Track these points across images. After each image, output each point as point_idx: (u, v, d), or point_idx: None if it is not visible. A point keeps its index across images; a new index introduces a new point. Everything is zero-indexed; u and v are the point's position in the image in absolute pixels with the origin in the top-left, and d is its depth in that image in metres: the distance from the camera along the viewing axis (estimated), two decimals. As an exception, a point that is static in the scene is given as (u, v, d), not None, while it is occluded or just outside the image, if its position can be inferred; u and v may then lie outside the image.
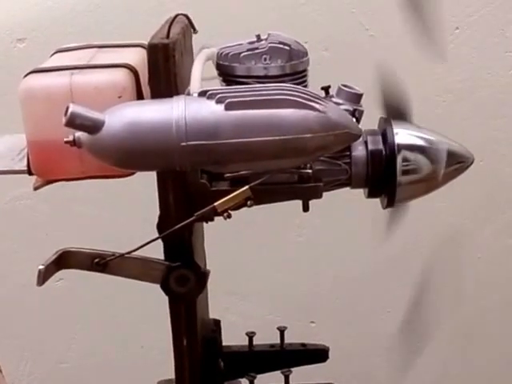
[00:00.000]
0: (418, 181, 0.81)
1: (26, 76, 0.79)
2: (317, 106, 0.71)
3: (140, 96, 0.80)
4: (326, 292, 1.63)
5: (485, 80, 1.54)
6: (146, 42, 0.87)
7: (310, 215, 0.83)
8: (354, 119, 0.79)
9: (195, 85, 0.74)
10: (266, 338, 0.95)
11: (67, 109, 0.70)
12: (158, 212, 0.80)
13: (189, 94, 0.74)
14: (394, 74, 0.82)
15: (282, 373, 0.92)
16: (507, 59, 1.54)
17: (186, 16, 0.79)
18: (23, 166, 0.83)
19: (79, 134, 0.71)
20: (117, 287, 1.35)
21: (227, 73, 0.80)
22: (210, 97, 0.71)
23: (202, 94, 0.72)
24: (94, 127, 0.70)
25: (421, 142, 0.81)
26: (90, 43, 0.91)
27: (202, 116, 0.70)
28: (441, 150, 0.81)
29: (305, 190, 0.79)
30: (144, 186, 0.83)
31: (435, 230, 1.50)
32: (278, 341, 0.94)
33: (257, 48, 0.79)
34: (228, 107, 0.70)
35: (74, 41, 1.52)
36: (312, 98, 0.71)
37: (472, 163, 0.83)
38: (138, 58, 0.85)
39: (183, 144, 0.69)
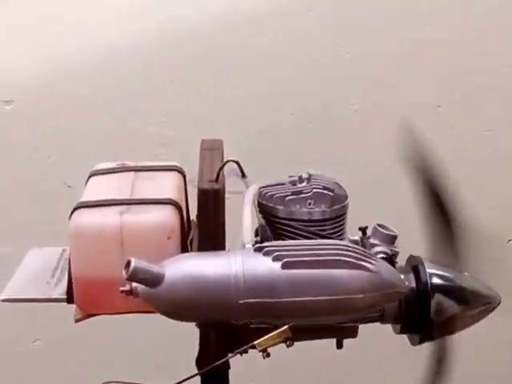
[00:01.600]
0: (448, 320, 0.84)
1: (75, 210, 0.80)
2: (369, 266, 0.74)
3: (183, 230, 0.81)
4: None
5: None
6: (178, 165, 0.90)
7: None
8: (390, 261, 0.82)
9: (247, 235, 0.76)
10: None
11: (128, 263, 0.71)
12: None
13: (243, 245, 0.76)
14: None
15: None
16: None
17: (237, 162, 0.81)
18: (61, 293, 0.84)
19: (136, 284, 0.72)
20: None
21: (270, 213, 0.83)
22: (267, 253, 0.73)
23: (259, 249, 0.74)
24: (154, 281, 0.71)
25: (452, 284, 0.85)
26: (123, 164, 0.92)
27: (259, 274, 0.72)
28: (469, 292, 0.85)
29: (342, 329, 0.82)
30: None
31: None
32: None
33: (301, 192, 0.82)
34: (285, 266, 0.72)
35: (62, 104, 1.54)
36: (364, 258, 0.74)
37: (499, 304, 0.87)
38: (176, 186, 0.87)
39: (241, 302, 0.71)
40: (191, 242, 0.86)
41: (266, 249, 0.74)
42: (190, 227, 0.88)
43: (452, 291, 0.85)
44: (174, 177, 0.90)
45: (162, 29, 1.55)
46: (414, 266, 0.87)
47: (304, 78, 1.59)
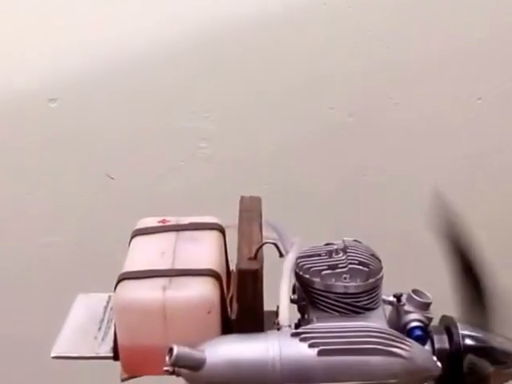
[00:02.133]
0: (480, 379, 0.87)
1: (120, 282, 0.83)
2: (403, 352, 0.77)
3: (223, 301, 0.85)
4: None
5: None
6: (219, 223, 0.93)
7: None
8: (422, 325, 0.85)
9: (284, 316, 0.80)
10: None
11: (171, 350, 0.75)
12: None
13: (278, 326, 0.79)
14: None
15: None
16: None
17: (275, 244, 0.83)
18: (108, 350, 0.89)
19: (179, 367, 0.76)
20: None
21: (307, 284, 0.86)
22: (303, 340, 0.77)
23: (295, 335, 0.77)
24: (195, 367, 0.75)
25: (484, 345, 0.87)
26: (165, 221, 0.95)
27: (295, 360, 0.75)
28: (501, 352, 0.88)
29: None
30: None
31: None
32: None
33: (337, 266, 0.85)
34: (320, 353, 0.76)
35: (105, 101, 1.56)
36: (398, 344, 0.77)
37: None
38: (216, 251, 0.90)
39: (278, 386, 0.75)
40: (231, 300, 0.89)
41: (302, 335, 0.77)
42: (230, 287, 0.91)
43: (484, 351, 0.87)
44: (214, 238, 0.92)
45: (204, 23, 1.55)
46: (447, 326, 0.89)
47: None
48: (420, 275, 1.53)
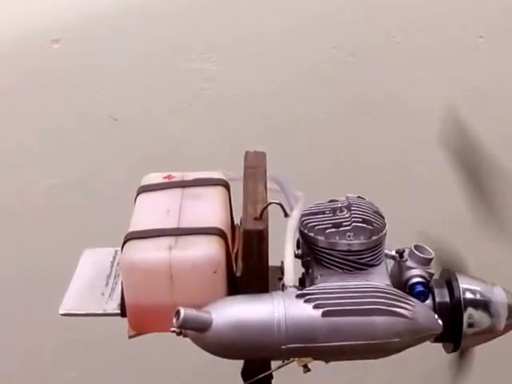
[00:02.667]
0: (480, 332, 0.89)
1: (126, 242, 0.84)
2: (406, 312, 0.78)
3: (229, 260, 0.86)
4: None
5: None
6: (225, 178, 0.93)
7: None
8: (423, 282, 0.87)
9: (289, 276, 0.81)
10: None
11: (178, 312, 0.76)
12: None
13: (283, 286, 0.81)
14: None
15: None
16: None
17: (280, 204, 0.84)
18: (115, 307, 0.90)
19: (186, 328, 0.78)
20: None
21: (311, 242, 0.87)
22: (308, 301, 0.78)
23: (300, 296, 0.79)
24: (202, 328, 0.77)
25: (484, 299, 0.89)
26: (171, 177, 0.95)
27: (300, 321, 0.77)
28: (501, 305, 0.89)
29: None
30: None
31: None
32: None
33: (341, 224, 0.85)
34: (325, 314, 0.77)
35: (108, 42, 1.55)
36: (401, 304, 0.79)
37: None
38: (222, 207, 0.91)
39: (283, 347, 0.77)
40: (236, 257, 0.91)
41: (307, 296, 0.78)
42: (235, 243, 0.92)
43: (483, 304, 0.89)
44: (219, 194, 0.93)
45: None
46: (448, 280, 0.91)
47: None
48: (418, 209, 1.55)
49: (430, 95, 1.65)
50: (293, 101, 1.68)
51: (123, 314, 0.89)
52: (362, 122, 1.68)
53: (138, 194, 0.93)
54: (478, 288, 0.90)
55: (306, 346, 0.77)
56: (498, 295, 0.90)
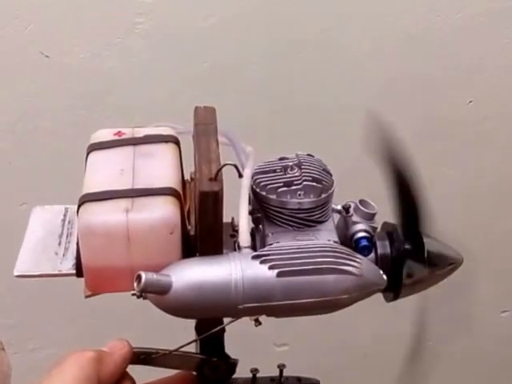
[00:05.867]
0: (417, 281, 0.95)
1: (81, 205, 0.85)
2: (354, 270, 0.83)
3: (184, 220, 0.88)
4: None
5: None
6: (175, 134, 0.95)
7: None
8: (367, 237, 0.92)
9: (245, 238, 0.84)
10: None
11: (139, 277, 0.79)
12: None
13: (239, 246, 0.84)
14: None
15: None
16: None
17: (235, 166, 0.86)
18: (70, 267, 0.92)
19: (145, 290, 0.81)
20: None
21: (263, 200, 0.90)
22: (263, 262, 0.82)
23: (256, 257, 0.82)
24: (162, 291, 0.80)
25: (422, 250, 0.94)
26: (121, 134, 0.96)
27: (257, 282, 0.81)
28: (435, 255, 0.95)
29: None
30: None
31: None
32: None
33: (292, 183, 0.89)
34: (280, 275, 0.81)
35: None
36: (349, 262, 0.83)
37: (462, 263, 0.98)
38: (174, 165, 0.92)
39: (240, 307, 0.81)
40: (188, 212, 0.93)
41: (262, 258, 0.82)
42: (186, 200, 0.94)
43: (420, 256, 0.94)
44: (171, 151, 0.94)
45: None
46: (389, 232, 0.96)
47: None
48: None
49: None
50: (228, 37, 1.68)
51: (79, 274, 0.90)
52: (298, 60, 1.69)
53: (88, 153, 0.93)
54: (412, 239, 0.94)
55: (262, 305, 0.81)
56: (432, 245, 0.95)
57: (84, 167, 0.94)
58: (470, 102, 1.82)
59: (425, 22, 1.72)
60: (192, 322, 0.94)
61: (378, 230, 0.96)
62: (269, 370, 1.02)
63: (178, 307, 0.81)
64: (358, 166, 1.42)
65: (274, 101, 1.72)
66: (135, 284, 0.79)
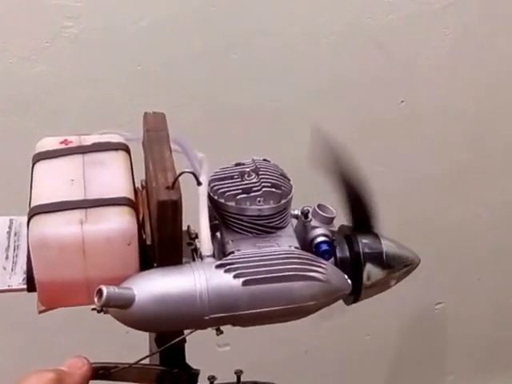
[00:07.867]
0: (376, 284, 0.94)
1: (32, 217, 0.81)
2: (320, 276, 0.82)
3: (140, 230, 0.85)
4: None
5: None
6: (124, 142, 0.92)
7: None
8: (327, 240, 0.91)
9: (207, 246, 0.82)
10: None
11: (100, 291, 0.76)
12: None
13: (200, 256, 0.82)
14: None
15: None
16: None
17: (193, 173, 0.83)
18: (21, 282, 0.87)
19: (106, 305, 0.77)
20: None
21: (221, 208, 0.88)
22: (228, 271, 0.80)
23: (220, 266, 0.80)
24: (125, 305, 0.77)
25: (377, 251, 0.94)
26: (67, 142, 0.92)
27: (222, 292, 0.79)
28: (391, 257, 0.95)
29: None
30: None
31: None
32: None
33: (251, 190, 0.87)
34: (245, 284, 0.79)
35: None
36: (315, 268, 0.82)
37: (418, 264, 0.98)
38: (126, 174, 0.89)
39: (206, 318, 0.79)
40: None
41: (227, 267, 0.80)
42: (139, 209, 0.91)
43: (378, 258, 0.94)
44: (122, 159, 0.91)
45: None
46: (347, 235, 0.95)
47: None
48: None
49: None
50: (162, 40, 1.65)
51: (30, 288, 0.86)
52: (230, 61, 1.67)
53: (34, 163, 0.89)
54: (370, 241, 0.93)
55: (228, 315, 0.79)
56: (388, 247, 0.94)
57: (30, 177, 0.90)
58: (402, 101, 1.84)
59: (357, 23, 1.72)
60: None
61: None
62: (214, 371, 1.00)
63: (142, 321, 0.78)
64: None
65: (209, 102, 1.70)
66: (96, 299, 0.76)
